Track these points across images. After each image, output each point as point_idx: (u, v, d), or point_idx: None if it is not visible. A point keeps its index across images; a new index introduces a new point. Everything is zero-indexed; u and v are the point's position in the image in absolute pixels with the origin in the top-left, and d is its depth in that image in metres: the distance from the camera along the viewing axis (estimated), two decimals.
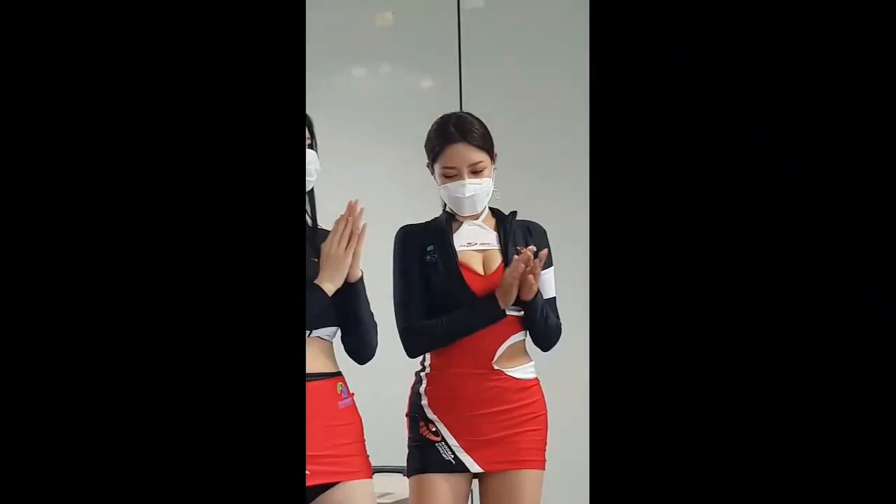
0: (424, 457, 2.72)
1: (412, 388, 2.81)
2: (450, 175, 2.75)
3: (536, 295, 2.69)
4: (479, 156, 2.75)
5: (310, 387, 2.39)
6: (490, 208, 2.86)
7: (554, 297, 2.82)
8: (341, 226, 2.46)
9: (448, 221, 2.80)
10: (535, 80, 4.58)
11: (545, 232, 2.89)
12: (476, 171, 2.74)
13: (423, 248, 2.76)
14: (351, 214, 2.47)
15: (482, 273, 2.75)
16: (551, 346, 2.81)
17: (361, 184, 4.44)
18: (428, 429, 2.72)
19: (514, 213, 2.87)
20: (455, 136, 2.74)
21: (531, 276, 2.63)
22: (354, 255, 2.48)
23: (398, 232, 2.83)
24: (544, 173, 4.45)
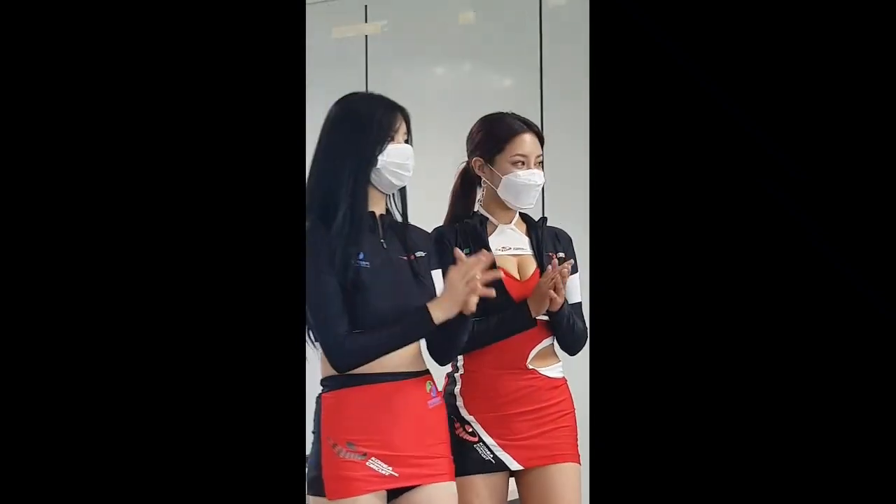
0: (463, 458, 2.71)
1: (444, 389, 2.80)
2: (519, 162, 2.76)
3: (563, 304, 2.70)
4: (541, 149, 2.81)
5: (400, 386, 2.39)
6: (520, 213, 2.88)
7: (580, 303, 2.84)
8: (474, 266, 2.38)
9: (483, 225, 2.82)
10: None
11: (571, 239, 2.90)
12: (539, 164, 2.79)
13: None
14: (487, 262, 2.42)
15: (518, 278, 2.77)
16: (578, 351, 2.83)
17: (440, 181, 4.48)
18: (464, 430, 2.73)
19: (544, 219, 2.89)
20: (523, 126, 2.79)
21: (553, 290, 2.64)
22: (475, 295, 2.40)
23: (432, 233, 2.78)
24: None
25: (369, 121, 2.41)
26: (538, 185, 2.77)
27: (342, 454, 2.32)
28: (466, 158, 2.88)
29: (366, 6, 5.05)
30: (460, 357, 2.77)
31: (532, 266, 2.78)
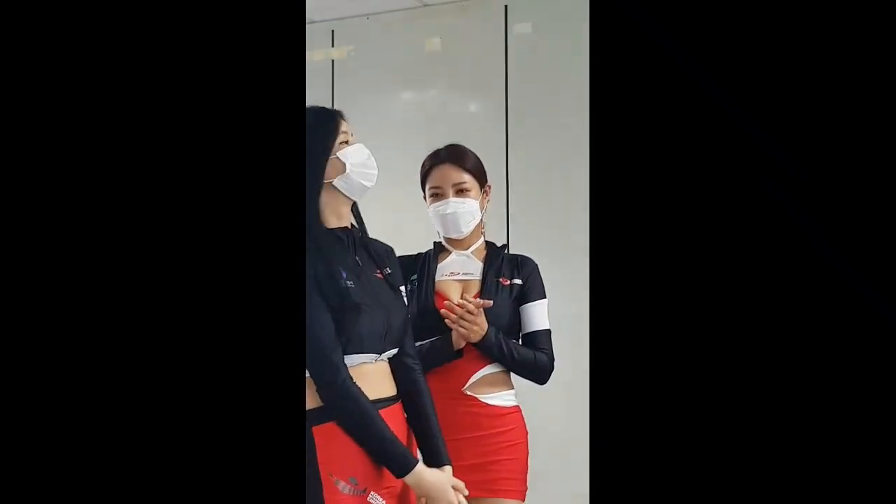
0: None
1: None
2: (435, 195, 2.83)
3: (485, 337, 2.71)
4: (465, 177, 2.83)
5: (386, 412, 2.30)
6: (486, 241, 2.92)
7: (547, 330, 2.84)
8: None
9: (436, 252, 2.88)
10: (582, 105, 4.58)
11: (536, 266, 2.91)
12: (461, 191, 2.82)
13: (409, 278, 2.80)
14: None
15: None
16: (539, 379, 2.83)
17: (407, 205, 4.48)
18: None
19: (504, 247, 2.94)
20: (443, 157, 2.85)
21: (458, 326, 2.69)
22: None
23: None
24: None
25: (312, 135, 2.28)
26: (451, 213, 2.81)
27: (346, 490, 2.21)
28: None
29: (332, 31, 5.05)
30: None
31: (475, 290, 2.82)
